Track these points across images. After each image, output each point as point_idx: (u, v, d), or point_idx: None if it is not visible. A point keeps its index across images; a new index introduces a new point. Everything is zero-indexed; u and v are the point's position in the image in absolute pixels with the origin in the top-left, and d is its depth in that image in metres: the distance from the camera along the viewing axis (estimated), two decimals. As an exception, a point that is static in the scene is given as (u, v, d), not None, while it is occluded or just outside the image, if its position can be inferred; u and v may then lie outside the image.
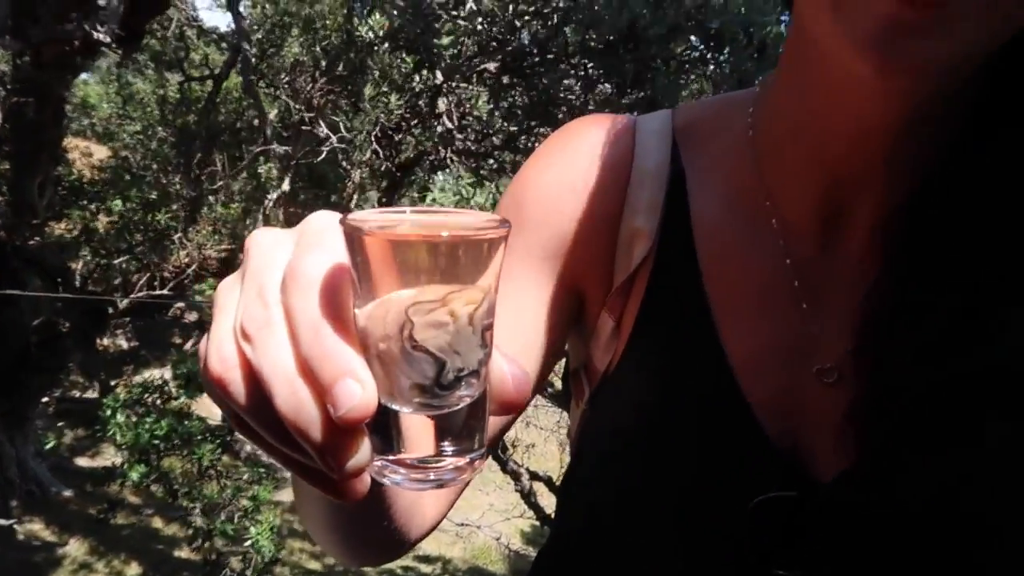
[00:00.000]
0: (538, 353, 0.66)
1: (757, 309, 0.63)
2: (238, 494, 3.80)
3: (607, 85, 2.39)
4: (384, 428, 0.32)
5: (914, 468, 0.56)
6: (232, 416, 0.35)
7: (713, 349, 0.62)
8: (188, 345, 9.41)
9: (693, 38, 2.76)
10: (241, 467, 5.70)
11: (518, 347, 0.66)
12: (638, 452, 0.63)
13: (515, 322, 0.65)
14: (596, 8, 2.16)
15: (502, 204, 0.70)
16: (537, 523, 7.21)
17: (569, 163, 0.67)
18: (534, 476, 6.04)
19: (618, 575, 0.64)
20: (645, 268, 0.64)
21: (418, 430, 0.32)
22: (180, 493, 3.66)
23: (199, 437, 3.78)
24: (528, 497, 6.06)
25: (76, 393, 9.23)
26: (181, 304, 6.81)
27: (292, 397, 0.31)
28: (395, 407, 0.32)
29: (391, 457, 0.33)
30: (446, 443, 0.33)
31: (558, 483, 6.24)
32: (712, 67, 2.56)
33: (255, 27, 5.26)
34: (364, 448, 0.31)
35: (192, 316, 7.12)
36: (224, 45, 8.02)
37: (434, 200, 2.60)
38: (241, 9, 3.93)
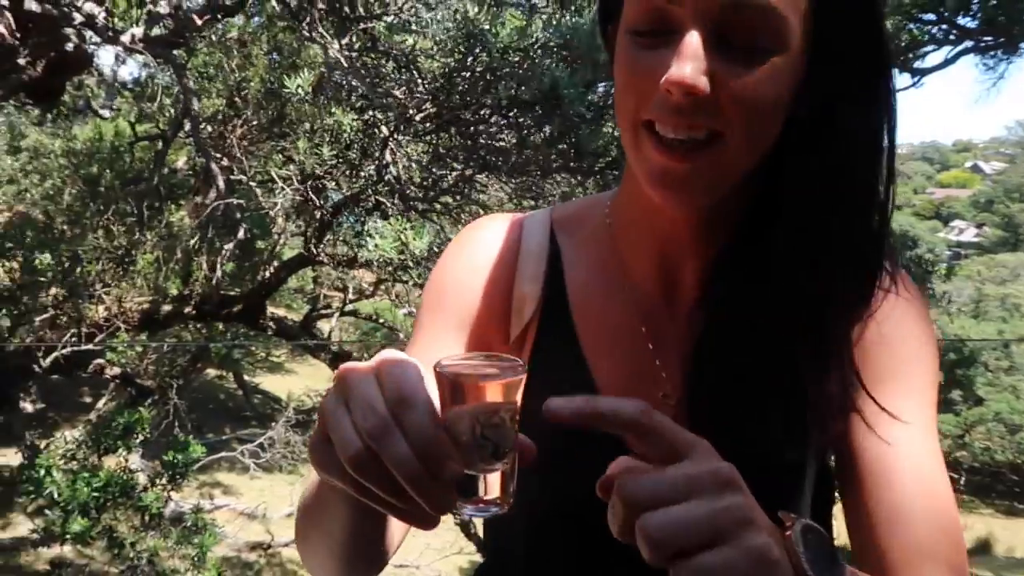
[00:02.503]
0: None
1: (617, 350, 0.83)
2: (183, 543, 3.79)
3: (537, 136, 2.68)
4: (464, 484, 0.55)
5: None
6: (355, 486, 0.53)
7: (587, 384, 0.83)
8: (102, 403, 9.06)
9: (602, 88, 3.11)
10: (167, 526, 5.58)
11: None
12: (536, 465, 0.82)
13: None
14: (520, 69, 2.45)
15: (428, 287, 0.92)
16: (477, 557, 7.27)
17: (472, 253, 0.89)
18: (472, 508, 6.11)
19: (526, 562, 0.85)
20: (533, 323, 0.85)
21: (484, 483, 0.56)
22: (126, 545, 3.63)
23: (141, 488, 3.76)
24: (468, 530, 6.16)
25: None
26: (101, 360, 6.63)
27: (413, 473, 0.50)
28: (470, 472, 0.55)
29: (468, 499, 0.56)
30: (496, 491, 0.56)
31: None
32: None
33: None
34: (453, 496, 0.54)
35: (114, 370, 6.93)
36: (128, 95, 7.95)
37: (376, 246, 2.80)
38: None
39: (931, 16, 9.35)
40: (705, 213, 0.76)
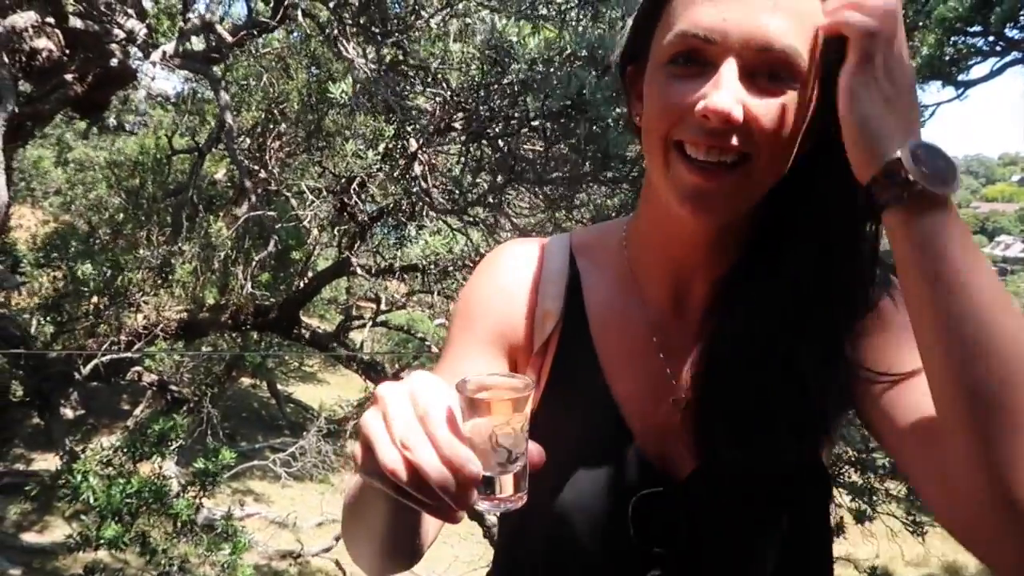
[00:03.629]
0: None
1: (631, 360, 0.92)
2: (213, 549, 3.83)
3: (563, 145, 2.70)
4: (483, 484, 0.65)
5: (734, 466, 0.84)
6: (392, 487, 0.61)
7: (603, 391, 0.91)
8: (139, 410, 9.25)
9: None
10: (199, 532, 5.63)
11: None
12: (554, 468, 0.83)
13: None
14: (549, 79, 2.46)
15: (457, 306, 1.00)
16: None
17: (498, 274, 0.98)
18: (501, 521, 6.09)
19: (544, 564, 0.91)
20: (554, 337, 0.94)
21: (499, 483, 0.67)
22: (159, 551, 3.67)
23: (173, 494, 3.81)
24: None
25: (20, 466, 8.93)
26: (139, 368, 6.77)
27: (440, 475, 0.59)
28: (487, 474, 0.65)
29: (486, 497, 0.67)
30: (510, 489, 0.67)
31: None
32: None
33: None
34: (474, 494, 0.62)
35: (151, 377, 7.07)
36: (171, 110, 8.16)
37: (426, 243, 2.88)
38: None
39: (977, 28, 9.16)
40: (719, 233, 0.84)
